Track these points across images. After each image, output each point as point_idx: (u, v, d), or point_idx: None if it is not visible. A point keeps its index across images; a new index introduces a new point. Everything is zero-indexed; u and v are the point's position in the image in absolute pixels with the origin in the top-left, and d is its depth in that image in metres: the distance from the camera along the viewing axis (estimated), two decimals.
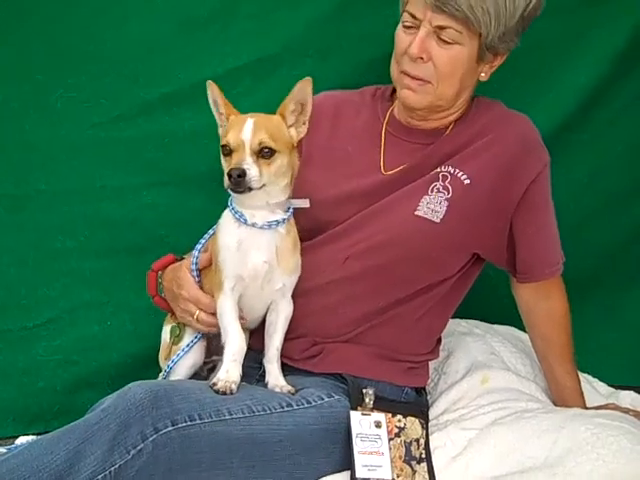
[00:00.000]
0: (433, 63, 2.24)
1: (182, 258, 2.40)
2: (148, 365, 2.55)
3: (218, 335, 2.25)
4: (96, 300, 2.80)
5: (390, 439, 2.16)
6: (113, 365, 2.82)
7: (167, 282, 2.36)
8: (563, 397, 2.48)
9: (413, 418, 2.23)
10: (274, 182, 2.12)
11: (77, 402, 2.75)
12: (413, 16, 2.23)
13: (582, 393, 2.50)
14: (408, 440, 2.19)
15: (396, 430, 2.19)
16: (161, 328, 2.43)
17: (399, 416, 2.21)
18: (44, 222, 2.75)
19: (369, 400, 2.18)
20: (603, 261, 2.92)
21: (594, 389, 2.67)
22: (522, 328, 2.77)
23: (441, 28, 2.20)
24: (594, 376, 2.76)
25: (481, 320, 2.86)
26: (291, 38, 2.71)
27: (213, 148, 2.50)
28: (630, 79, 2.81)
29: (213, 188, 2.58)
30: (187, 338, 2.33)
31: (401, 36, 2.28)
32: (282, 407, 2.10)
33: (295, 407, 2.12)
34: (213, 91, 2.18)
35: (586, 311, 2.66)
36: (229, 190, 2.09)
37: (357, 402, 2.19)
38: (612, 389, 2.74)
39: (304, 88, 2.15)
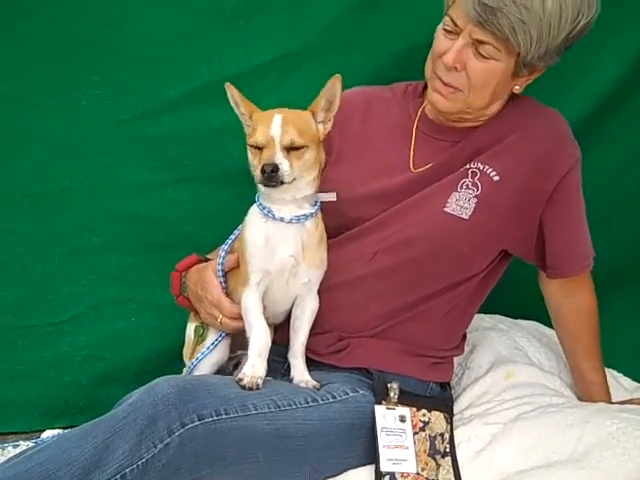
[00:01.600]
0: (467, 73, 2.22)
1: (206, 258, 2.40)
2: (172, 361, 2.56)
3: (242, 331, 2.25)
4: (121, 296, 2.82)
5: (415, 433, 2.16)
6: (138, 361, 2.84)
7: (192, 283, 2.36)
8: (589, 393, 2.48)
9: (438, 412, 2.23)
10: (303, 176, 2.13)
11: (102, 397, 2.80)
12: (454, 22, 2.21)
13: (608, 389, 2.50)
14: (432, 434, 2.19)
15: (421, 424, 2.19)
16: (185, 324, 2.43)
17: (424, 410, 2.20)
18: (69, 219, 2.77)
19: (394, 394, 2.18)
20: (629, 255, 2.89)
21: (619, 384, 2.66)
22: (546, 323, 2.79)
23: (480, 42, 2.18)
24: (619, 371, 2.74)
25: (505, 315, 2.86)
26: (316, 33, 2.70)
27: (239, 144, 2.48)
28: None
29: (238, 184, 2.61)
30: (211, 337, 2.33)
31: (440, 38, 2.27)
32: (307, 402, 2.10)
33: (320, 402, 2.12)
34: (232, 92, 2.19)
35: (612, 305, 2.63)
36: (260, 185, 2.11)
37: (382, 396, 2.19)
38: (637, 384, 2.72)
39: (333, 85, 2.15)
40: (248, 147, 2.14)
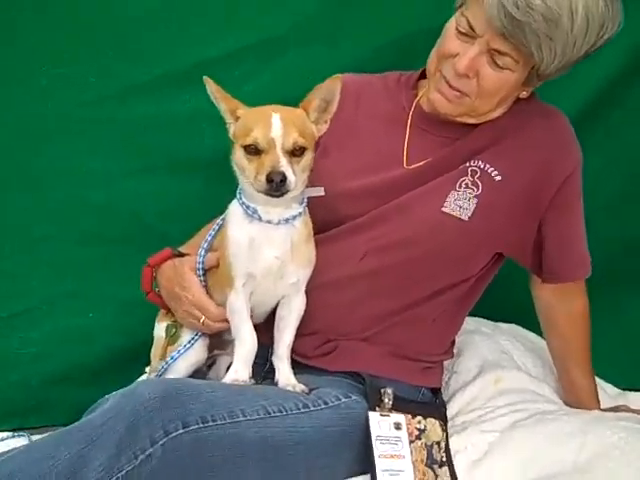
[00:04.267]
0: (478, 81, 2.11)
1: (180, 253, 2.27)
2: (132, 360, 2.45)
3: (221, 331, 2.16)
4: (78, 290, 2.68)
5: (411, 441, 2.04)
6: (94, 360, 2.71)
7: (165, 280, 2.23)
8: (578, 399, 2.41)
9: (433, 420, 2.12)
10: (301, 179, 2.01)
11: (54, 398, 2.68)
12: (471, 26, 2.08)
13: (598, 395, 2.44)
14: (429, 443, 2.08)
15: (416, 432, 2.07)
16: (148, 322, 2.31)
17: (419, 417, 2.09)
18: (24, 207, 2.61)
19: (388, 400, 2.06)
20: (614, 258, 2.83)
21: (602, 390, 2.59)
22: (527, 326, 2.76)
23: (498, 52, 2.07)
24: (600, 377, 2.66)
25: (484, 318, 2.77)
26: (301, 19, 2.57)
27: (212, 132, 2.45)
28: None
29: (209, 175, 2.60)
30: (186, 336, 2.20)
31: (451, 38, 2.14)
32: (298, 408, 1.98)
33: (312, 408, 2.00)
34: (211, 87, 2.02)
35: (592, 310, 2.54)
36: (263, 194, 1.95)
37: (375, 402, 2.07)
38: (619, 390, 2.70)
39: (332, 86, 2.01)
40: (240, 148, 1.98)
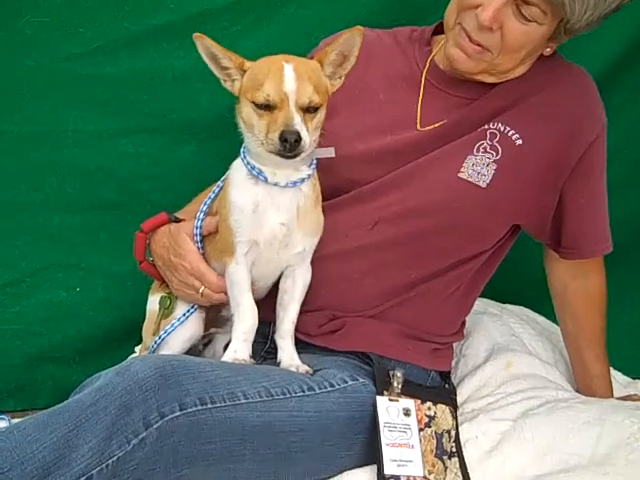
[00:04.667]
0: (502, 34, 1.98)
1: (177, 219, 2.14)
2: (123, 339, 2.40)
3: (217, 305, 2.04)
4: (64, 262, 2.55)
5: (420, 429, 1.92)
6: (81, 337, 2.59)
7: (160, 248, 2.10)
8: (590, 385, 2.32)
9: (443, 406, 2.01)
10: (313, 139, 1.87)
11: (38, 378, 2.57)
12: None
13: (611, 382, 2.35)
14: (439, 431, 1.97)
15: (426, 419, 1.96)
16: (140, 297, 2.21)
17: (429, 403, 1.98)
18: (5, 169, 2.47)
19: (397, 384, 1.95)
20: (624, 239, 2.70)
21: (613, 378, 2.48)
22: (534, 308, 2.67)
23: (525, 2, 1.93)
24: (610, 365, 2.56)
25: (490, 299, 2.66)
26: None
27: (207, 92, 2.36)
28: None
29: (204, 138, 2.49)
30: (180, 309, 2.09)
31: None
32: (303, 390, 1.87)
33: (317, 391, 1.89)
34: (206, 44, 1.86)
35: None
36: (274, 154, 1.81)
37: (383, 386, 1.96)
38: (629, 379, 2.60)
39: (352, 38, 1.87)
40: (248, 103, 1.84)
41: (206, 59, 1.88)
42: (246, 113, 1.85)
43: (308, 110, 1.81)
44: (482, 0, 1.96)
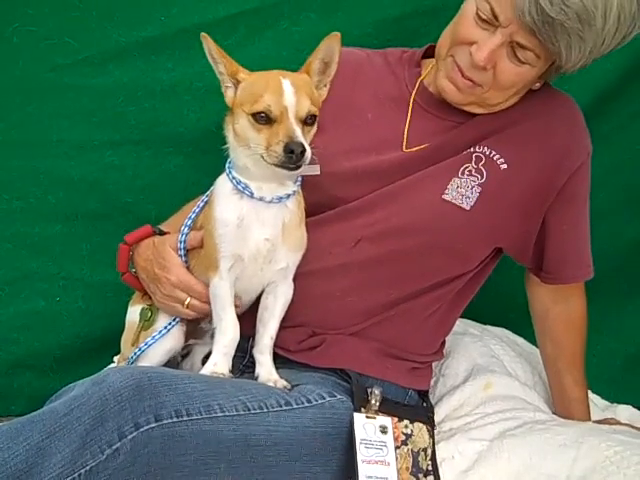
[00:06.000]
0: (494, 73, 1.99)
1: (161, 231, 2.13)
2: (101, 348, 2.38)
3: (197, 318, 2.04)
4: (44, 271, 2.55)
5: (396, 447, 1.92)
6: (59, 346, 2.58)
7: (143, 260, 2.09)
8: (568, 409, 2.31)
9: (420, 424, 2.01)
10: None
11: (14, 386, 2.57)
12: (494, 13, 1.94)
13: (589, 406, 2.35)
14: (415, 449, 1.97)
15: (403, 437, 1.96)
16: (120, 307, 2.19)
17: (406, 421, 1.98)
18: None
19: (375, 401, 1.94)
20: (605, 264, 2.71)
21: (591, 401, 2.47)
22: (514, 330, 2.67)
23: (521, 46, 1.94)
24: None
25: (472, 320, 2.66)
26: None
27: (195, 106, 2.36)
28: None
29: (190, 152, 2.48)
30: (161, 321, 2.07)
31: (469, 23, 1.99)
32: (280, 405, 1.86)
33: (294, 406, 1.88)
34: (209, 45, 1.88)
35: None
36: (277, 166, 1.81)
37: (361, 403, 1.95)
38: (607, 402, 2.61)
39: (331, 45, 1.90)
40: (245, 116, 1.84)
41: (210, 59, 1.89)
42: (241, 125, 1.85)
43: (305, 122, 1.82)
44: (477, 38, 1.96)
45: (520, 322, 2.51)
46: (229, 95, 1.89)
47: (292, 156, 1.77)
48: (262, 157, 1.81)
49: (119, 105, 2.45)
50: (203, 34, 1.87)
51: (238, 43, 2.41)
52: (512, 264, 2.27)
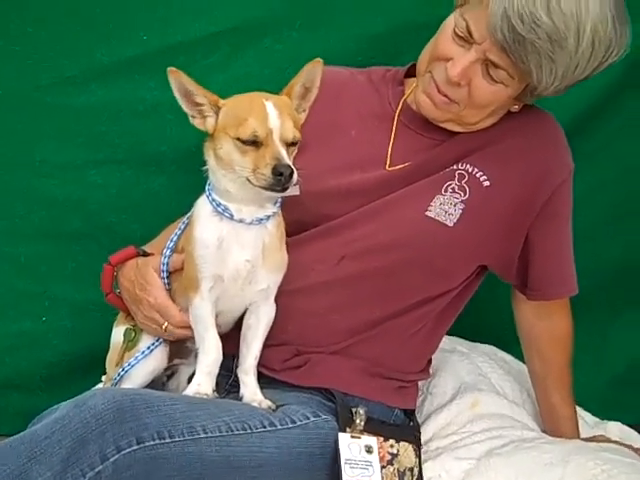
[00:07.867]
0: (469, 90, 2.00)
1: (144, 252, 2.13)
2: (87, 369, 2.36)
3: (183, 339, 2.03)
4: (30, 291, 2.55)
5: (382, 467, 1.91)
6: (45, 365, 2.59)
7: (126, 281, 2.08)
8: (557, 426, 2.30)
9: (406, 444, 1.99)
10: None
11: (1, 405, 2.56)
12: (469, 32, 1.95)
13: (577, 424, 2.34)
14: (402, 469, 1.96)
15: (388, 457, 1.95)
16: (105, 327, 2.18)
17: (391, 441, 1.97)
18: None
19: (360, 421, 1.93)
20: (593, 280, 2.70)
21: (581, 418, 2.48)
22: (503, 348, 2.65)
23: (494, 65, 1.95)
24: (578, 405, 2.54)
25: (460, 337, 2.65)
26: (277, 6, 2.44)
27: (178, 125, 2.33)
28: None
29: (173, 172, 2.48)
30: (145, 342, 2.06)
31: (446, 39, 2.00)
32: (264, 426, 1.84)
33: (279, 427, 1.86)
34: (180, 80, 1.85)
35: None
36: (264, 189, 1.81)
37: (346, 423, 1.94)
38: (597, 419, 2.59)
39: (313, 70, 1.90)
40: (229, 140, 1.83)
41: (177, 94, 1.87)
42: (225, 150, 1.84)
43: (291, 144, 1.82)
44: (454, 54, 1.98)
45: (509, 339, 2.49)
46: (209, 123, 1.87)
47: (281, 178, 1.76)
48: (248, 180, 1.81)
49: (102, 124, 2.45)
50: (171, 69, 1.84)
51: (220, 62, 2.42)
52: (500, 281, 2.26)
